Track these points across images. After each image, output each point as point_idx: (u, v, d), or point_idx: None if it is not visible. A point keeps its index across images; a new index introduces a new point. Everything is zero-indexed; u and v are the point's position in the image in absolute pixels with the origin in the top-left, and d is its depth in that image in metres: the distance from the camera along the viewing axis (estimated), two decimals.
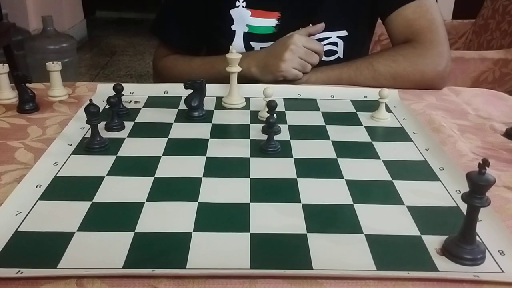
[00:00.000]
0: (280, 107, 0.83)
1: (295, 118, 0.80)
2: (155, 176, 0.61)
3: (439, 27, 0.96)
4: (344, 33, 1.03)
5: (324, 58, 1.04)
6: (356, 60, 0.98)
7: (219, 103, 0.85)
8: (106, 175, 0.61)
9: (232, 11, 1.02)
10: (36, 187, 0.57)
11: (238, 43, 1.03)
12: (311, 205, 0.55)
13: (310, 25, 1.00)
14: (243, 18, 1.02)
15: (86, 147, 0.67)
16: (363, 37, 1.12)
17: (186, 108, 0.79)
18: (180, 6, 1.08)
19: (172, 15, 1.10)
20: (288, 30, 0.98)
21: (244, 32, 1.03)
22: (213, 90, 0.86)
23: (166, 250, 0.47)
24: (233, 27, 1.03)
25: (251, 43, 1.03)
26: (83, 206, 0.54)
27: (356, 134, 0.75)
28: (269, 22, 1.02)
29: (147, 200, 0.55)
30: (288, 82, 0.94)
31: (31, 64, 2.99)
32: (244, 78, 0.91)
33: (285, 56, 0.92)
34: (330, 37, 1.03)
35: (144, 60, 3.72)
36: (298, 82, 0.95)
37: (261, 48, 1.02)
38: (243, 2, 1.01)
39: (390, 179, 0.61)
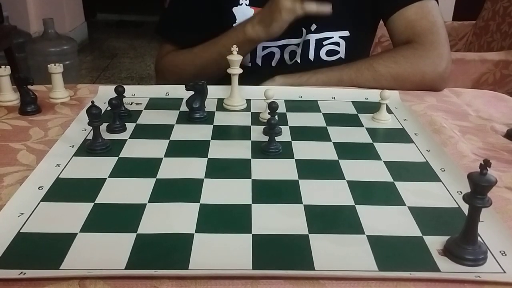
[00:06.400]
0: (281, 109, 0.83)
1: (296, 119, 0.80)
2: (157, 177, 0.61)
3: (440, 28, 0.97)
4: (346, 33, 1.03)
5: (326, 58, 1.04)
6: (356, 62, 0.98)
7: (220, 105, 0.85)
8: (108, 177, 0.61)
9: (235, 9, 1.03)
10: (38, 188, 0.57)
11: None
12: (312, 206, 0.55)
13: (314, 24, 1.00)
14: (246, 16, 1.02)
15: (88, 148, 0.67)
16: (365, 38, 1.13)
17: (188, 110, 0.79)
18: (186, 6, 1.08)
19: (179, 15, 1.10)
20: (291, 28, 0.98)
21: None
22: (214, 91, 0.86)
23: (168, 251, 0.47)
24: (235, 25, 1.03)
25: None
26: (85, 208, 0.54)
27: (357, 135, 0.75)
28: None
29: (149, 202, 0.55)
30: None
31: (32, 67, 3.00)
32: (254, 44, 0.95)
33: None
34: (332, 37, 1.03)
35: (145, 62, 3.73)
36: (298, 83, 0.95)
37: (263, 46, 1.03)
38: (246, 0, 1.01)
39: (392, 180, 0.62)
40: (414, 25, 0.97)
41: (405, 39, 0.98)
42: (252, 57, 1.06)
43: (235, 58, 0.81)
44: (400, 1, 0.98)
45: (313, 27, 1.02)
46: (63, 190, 0.58)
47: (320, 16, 0.96)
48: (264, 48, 1.04)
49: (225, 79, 0.87)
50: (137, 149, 0.69)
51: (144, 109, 0.83)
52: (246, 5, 1.02)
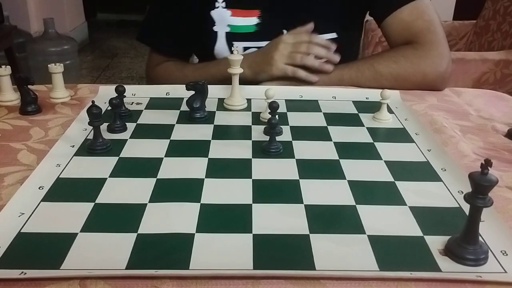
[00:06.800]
0: (282, 108, 0.83)
1: (297, 119, 0.80)
2: (158, 177, 0.61)
3: (438, 27, 0.96)
4: (333, 35, 1.03)
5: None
6: (357, 61, 0.98)
7: (221, 105, 0.85)
8: (109, 177, 0.61)
9: (212, 12, 1.03)
10: (39, 188, 0.57)
11: (221, 43, 1.04)
12: (313, 206, 0.55)
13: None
14: (224, 18, 1.02)
15: (88, 148, 0.67)
16: (353, 37, 1.13)
17: (188, 110, 0.79)
18: (165, 12, 1.08)
19: (159, 21, 1.10)
20: (270, 28, 0.99)
21: (226, 32, 1.03)
22: (215, 91, 0.86)
23: (169, 251, 0.47)
24: (214, 29, 1.03)
25: (233, 42, 1.04)
26: (85, 208, 0.54)
27: (358, 135, 0.75)
28: (250, 20, 1.02)
29: (149, 201, 0.55)
30: (291, 82, 0.94)
31: (33, 67, 2.99)
32: (240, 80, 0.91)
33: (275, 54, 0.92)
34: None
35: (145, 62, 3.72)
36: (299, 83, 0.95)
37: (244, 47, 1.03)
38: (222, 2, 1.02)
39: (392, 179, 0.62)
40: (410, 26, 0.96)
41: (403, 41, 0.97)
42: None
43: (235, 58, 0.81)
44: (393, 3, 0.97)
45: None
46: (63, 190, 0.58)
47: (303, 18, 0.96)
48: (245, 49, 1.04)
49: (225, 79, 0.87)
50: (137, 149, 0.69)
51: (145, 108, 0.83)
52: (222, 7, 1.02)
